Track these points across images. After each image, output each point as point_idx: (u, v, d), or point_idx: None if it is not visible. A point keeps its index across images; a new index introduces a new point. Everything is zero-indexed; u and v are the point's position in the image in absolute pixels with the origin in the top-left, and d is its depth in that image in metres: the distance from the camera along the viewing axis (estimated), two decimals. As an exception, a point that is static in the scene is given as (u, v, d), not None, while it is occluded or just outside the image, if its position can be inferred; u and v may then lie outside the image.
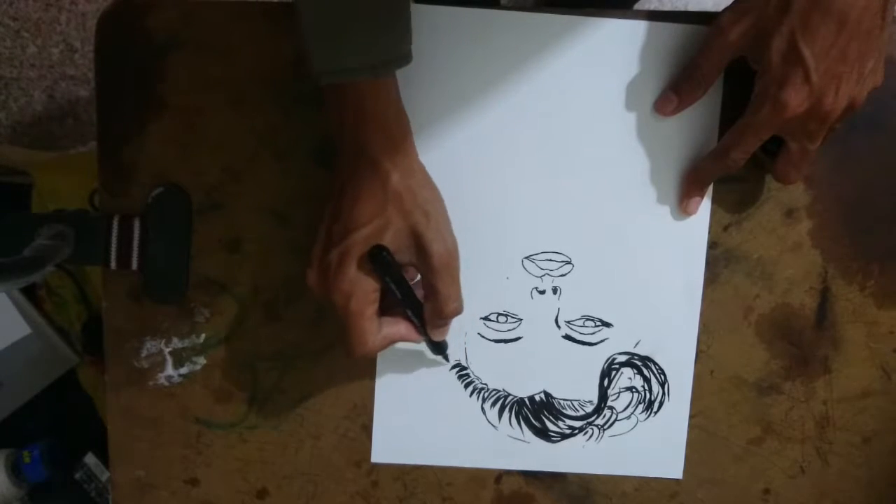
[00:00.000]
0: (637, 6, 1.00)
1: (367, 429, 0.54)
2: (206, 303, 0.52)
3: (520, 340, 0.53)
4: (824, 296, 0.53)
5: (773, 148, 0.48)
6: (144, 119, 0.50)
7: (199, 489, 0.54)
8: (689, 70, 0.48)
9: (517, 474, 0.55)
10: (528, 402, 0.53)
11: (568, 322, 0.53)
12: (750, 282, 0.53)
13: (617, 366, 0.53)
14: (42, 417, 0.93)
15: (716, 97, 0.50)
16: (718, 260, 0.53)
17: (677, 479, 0.55)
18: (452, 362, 0.53)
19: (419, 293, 0.46)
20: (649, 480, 0.55)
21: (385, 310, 0.46)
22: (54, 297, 0.91)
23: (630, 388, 0.54)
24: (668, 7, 1.28)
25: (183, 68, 0.50)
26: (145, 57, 0.50)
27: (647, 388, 0.54)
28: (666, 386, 0.54)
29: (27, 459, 0.87)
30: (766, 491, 0.55)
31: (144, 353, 0.52)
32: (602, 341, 0.53)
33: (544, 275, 0.52)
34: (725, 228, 0.52)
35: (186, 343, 0.52)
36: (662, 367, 0.53)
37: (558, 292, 0.52)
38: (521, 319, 0.53)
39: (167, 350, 0.52)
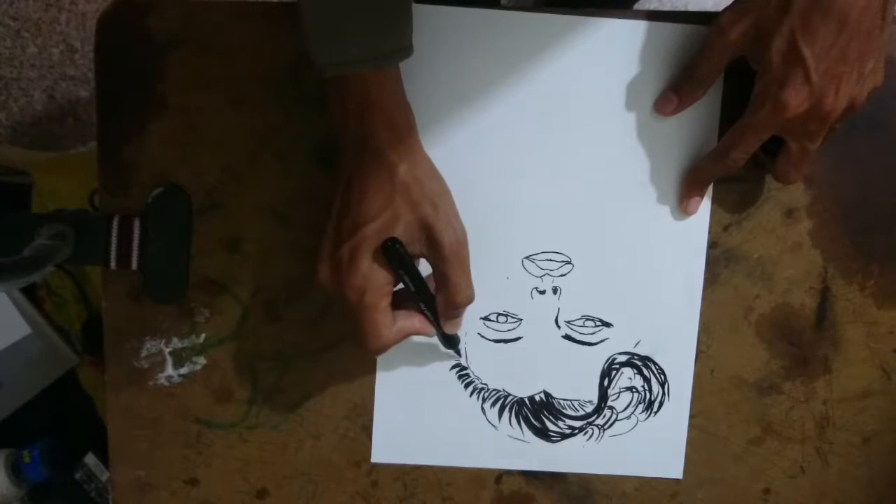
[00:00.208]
0: (637, 6, 1.00)
1: (367, 429, 0.54)
2: (206, 303, 0.52)
3: (520, 340, 0.53)
4: (824, 296, 0.53)
5: (773, 148, 0.48)
6: (144, 119, 0.50)
7: (199, 489, 0.54)
8: (689, 70, 0.48)
9: (517, 474, 0.55)
10: (528, 402, 0.53)
11: (568, 322, 0.53)
12: (750, 282, 0.53)
13: (617, 366, 0.53)
14: (42, 417, 0.93)
15: (716, 97, 0.50)
16: (718, 260, 0.53)
17: (677, 479, 0.55)
18: (452, 362, 0.53)
19: (430, 286, 0.46)
20: (649, 480, 0.55)
21: (395, 305, 0.46)
22: (54, 297, 0.91)
23: (630, 388, 0.54)
24: (668, 7, 1.28)
25: (183, 68, 0.50)
26: (145, 57, 0.50)
27: (647, 388, 0.54)
28: (666, 386, 0.54)
29: (27, 459, 0.87)
30: (766, 491, 0.55)
31: (144, 353, 0.52)
32: (602, 341, 0.53)
33: (544, 275, 0.52)
34: (725, 228, 0.52)
35: (186, 343, 0.52)
36: (662, 367, 0.53)
37: (558, 292, 0.52)
38: (521, 319, 0.53)
39: (167, 350, 0.52)
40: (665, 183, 0.51)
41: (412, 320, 0.47)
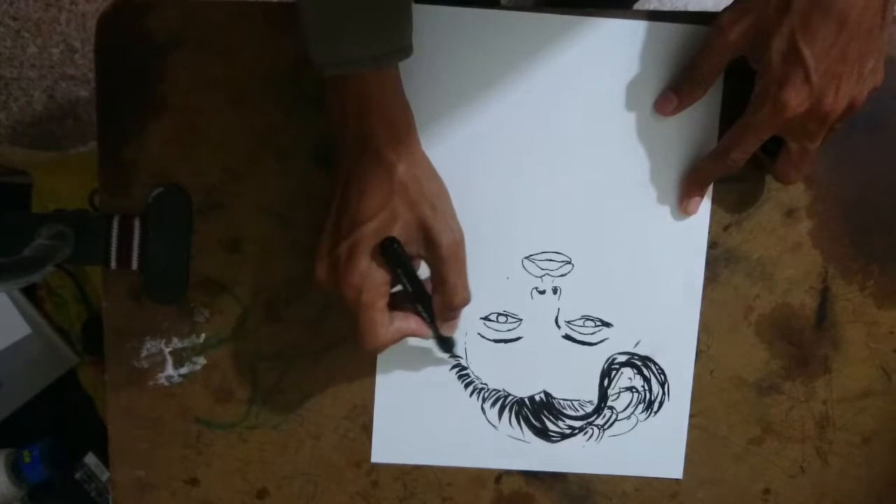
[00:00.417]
0: (637, 6, 0.99)
1: (367, 429, 0.54)
2: (206, 303, 0.52)
3: (520, 340, 0.53)
4: (824, 296, 0.53)
5: (773, 148, 0.48)
6: (144, 119, 0.50)
7: (199, 489, 0.54)
8: (689, 70, 0.48)
9: (517, 474, 0.55)
10: (528, 402, 0.53)
11: (568, 322, 0.53)
12: (750, 282, 0.53)
13: (617, 366, 0.53)
14: (42, 417, 0.93)
15: (716, 97, 0.50)
16: (718, 260, 0.53)
17: (677, 479, 0.55)
18: (452, 362, 0.53)
19: (427, 287, 0.46)
20: (649, 480, 0.55)
21: (393, 307, 0.46)
22: (54, 297, 0.91)
23: (630, 388, 0.54)
24: (668, 7, 1.28)
25: (183, 68, 0.50)
26: (145, 57, 0.50)
27: (647, 388, 0.54)
28: (666, 386, 0.54)
29: (27, 459, 0.87)
30: (766, 491, 0.55)
31: (144, 353, 0.52)
32: (602, 341, 0.53)
33: (544, 275, 0.52)
34: (725, 228, 0.52)
35: (186, 343, 0.52)
36: (662, 367, 0.53)
37: (558, 292, 0.52)
38: (521, 319, 0.53)
39: (167, 350, 0.52)
40: (665, 183, 0.51)
41: (409, 321, 0.47)
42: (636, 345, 0.53)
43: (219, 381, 0.53)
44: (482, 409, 0.53)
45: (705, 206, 0.52)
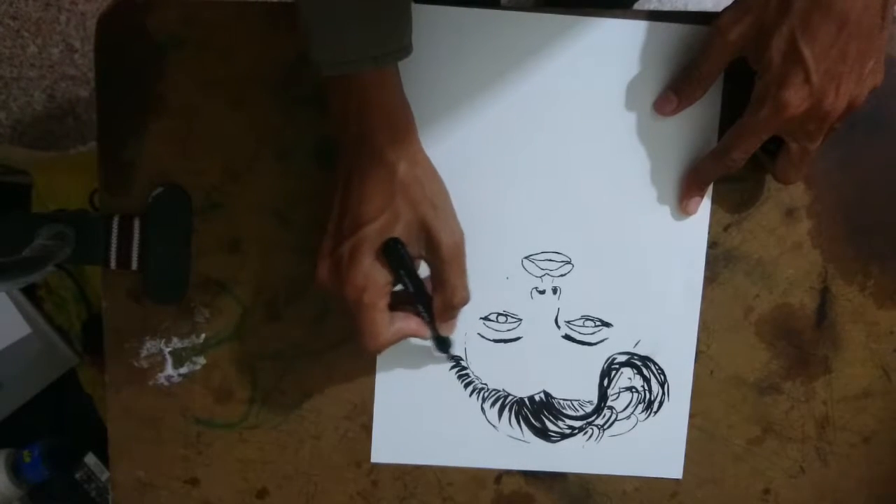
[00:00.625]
0: (637, 6, 0.99)
1: (367, 429, 0.54)
2: (206, 303, 0.52)
3: (520, 340, 0.53)
4: (824, 296, 0.53)
5: (773, 148, 0.48)
6: (144, 119, 0.50)
7: (199, 489, 0.54)
8: (689, 70, 0.48)
9: (517, 474, 0.55)
10: (527, 402, 0.53)
11: (568, 322, 0.53)
12: (750, 282, 0.53)
13: (617, 366, 0.53)
14: (42, 417, 0.93)
15: (716, 97, 0.50)
16: (718, 260, 0.53)
17: (677, 479, 0.55)
18: (451, 363, 0.53)
19: (427, 287, 0.47)
20: (649, 480, 0.55)
21: (391, 307, 0.46)
22: (54, 297, 0.91)
23: (630, 388, 0.54)
24: (668, 7, 1.28)
25: (183, 68, 0.50)
26: (145, 57, 0.50)
27: (646, 388, 0.54)
28: (666, 386, 0.54)
29: (27, 459, 0.87)
30: (766, 491, 0.55)
31: (144, 353, 0.52)
32: (602, 341, 0.53)
33: (544, 275, 0.52)
34: (725, 228, 0.52)
35: (186, 343, 0.52)
36: (662, 367, 0.53)
37: (558, 292, 0.52)
38: (520, 319, 0.53)
39: (167, 350, 0.52)
40: (665, 183, 0.51)
41: (409, 322, 0.47)
42: (636, 345, 0.53)
43: (219, 381, 0.53)
44: (482, 409, 0.53)
45: (705, 206, 0.52)
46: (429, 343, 0.50)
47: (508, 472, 0.54)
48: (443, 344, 0.49)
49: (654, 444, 0.54)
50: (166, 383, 0.53)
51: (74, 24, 1.25)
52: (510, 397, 0.53)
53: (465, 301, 0.47)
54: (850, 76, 0.43)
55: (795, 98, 0.43)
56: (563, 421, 0.54)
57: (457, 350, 0.52)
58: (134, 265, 0.51)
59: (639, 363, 0.53)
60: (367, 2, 0.40)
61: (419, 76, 0.48)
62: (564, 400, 0.54)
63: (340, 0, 0.40)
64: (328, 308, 0.52)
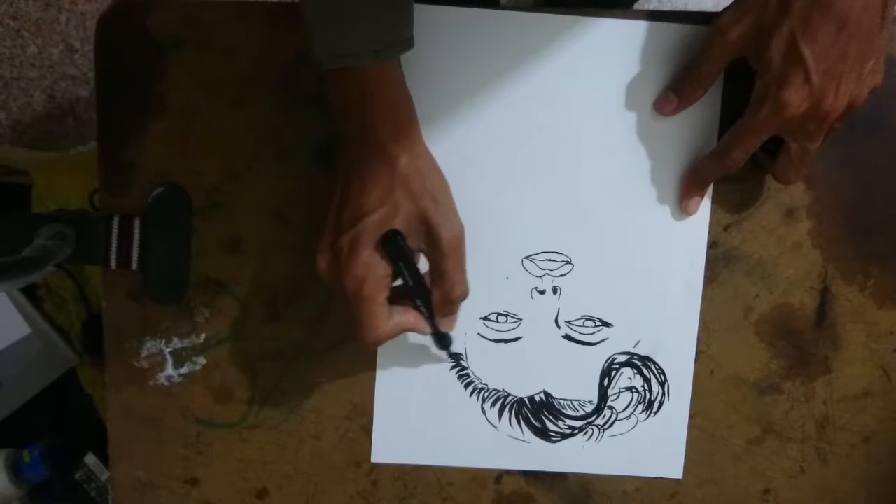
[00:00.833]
0: (637, 6, 0.99)
1: (367, 429, 0.54)
2: (206, 303, 0.52)
3: (520, 340, 0.53)
4: (824, 296, 0.53)
5: (773, 148, 0.48)
6: (144, 119, 0.50)
7: (199, 489, 0.54)
8: (688, 70, 0.48)
9: (517, 474, 0.55)
10: (528, 402, 0.53)
11: (568, 322, 0.53)
12: (750, 282, 0.53)
13: (617, 366, 0.53)
14: (42, 417, 0.93)
15: (716, 97, 0.50)
16: (718, 260, 0.53)
17: (677, 479, 0.55)
18: (451, 362, 0.53)
19: (426, 281, 0.46)
20: (649, 480, 0.55)
21: (390, 301, 0.46)
22: (54, 297, 0.91)
23: (630, 388, 0.54)
24: (667, 7, 1.28)
25: (183, 68, 0.50)
26: (145, 57, 0.50)
27: (646, 388, 0.54)
28: (666, 386, 0.54)
29: (27, 459, 0.87)
30: (766, 491, 0.55)
31: (144, 353, 0.52)
32: (602, 341, 0.53)
33: (544, 275, 0.52)
34: (725, 228, 0.52)
35: (186, 343, 0.52)
36: (662, 367, 0.53)
37: (558, 292, 0.52)
38: (521, 319, 0.53)
39: (167, 350, 0.52)
40: (665, 183, 0.51)
41: (408, 316, 0.47)
42: (636, 345, 0.53)
43: (219, 381, 0.53)
44: (482, 409, 0.53)
45: (705, 206, 0.52)
46: (430, 342, 0.50)
47: (508, 472, 0.54)
48: (442, 340, 0.49)
49: (654, 444, 0.54)
50: (166, 383, 0.53)
51: (74, 24, 1.25)
52: (510, 397, 0.53)
53: (464, 296, 0.47)
54: (850, 76, 0.43)
55: (795, 98, 0.43)
56: (564, 421, 0.54)
57: (454, 348, 0.52)
58: (134, 265, 0.51)
59: (639, 363, 0.53)
60: None
61: (419, 76, 0.48)
62: (564, 400, 0.54)
63: None
64: (328, 308, 0.52)
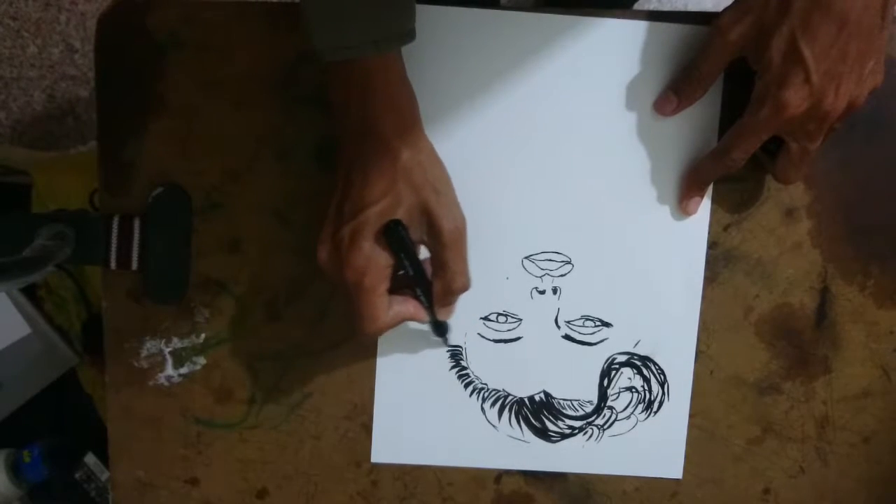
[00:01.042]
0: (637, 6, 0.99)
1: (367, 429, 0.54)
2: (206, 303, 0.52)
3: (520, 340, 0.53)
4: (824, 296, 0.53)
5: (773, 148, 0.48)
6: (144, 119, 0.50)
7: (199, 489, 0.54)
8: (688, 70, 0.48)
9: (517, 474, 0.55)
10: (527, 402, 0.53)
11: (568, 322, 0.53)
12: (750, 282, 0.53)
13: (617, 366, 0.53)
14: (42, 417, 0.93)
15: (716, 97, 0.50)
16: (718, 260, 0.53)
17: (677, 479, 0.55)
18: (451, 362, 0.53)
19: (427, 272, 0.46)
20: (649, 480, 0.55)
21: (391, 292, 0.46)
22: (54, 297, 0.91)
23: (630, 388, 0.54)
24: (667, 7, 1.28)
25: (183, 68, 0.50)
26: (145, 57, 0.50)
27: (646, 388, 0.54)
28: (666, 386, 0.54)
29: (27, 459, 0.87)
30: (766, 491, 0.55)
31: (144, 353, 0.52)
32: (602, 341, 0.53)
33: (544, 275, 0.52)
34: (725, 228, 0.52)
35: (186, 343, 0.52)
36: (662, 367, 0.53)
37: (558, 292, 0.52)
38: (520, 319, 0.53)
39: (167, 350, 0.52)
40: (665, 183, 0.51)
41: (407, 305, 0.47)
42: (636, 345, 0.53)
43: (219, 381, 0.53)
44: (482, 409, 0.53)
45: (705, 206, 0.52)
46: (430, 342, 0.50)
47: (508, 472, 0.54)
48: (440, 328, 0.49)
49: (654, 444, 0.54)
50: (166, 383, 0.53)
51: (74, 24, 1.25)
52: (510, 397, 0.53)
53: (465, 287, 0.47)
54: (850, 76, 0.43)
55: (795, 98, 0.43)
56: (563, 421, 0.54)
57: (451, 337, 0.52)
58: (134, 265, 0.51)
59: (639, 363, 0.53)
60: None
61: (419, 76, 0.48)
62: (564, 400, 0.54)
63: None
64: (328, 308, 0.52)
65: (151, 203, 0.51)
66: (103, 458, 0.89)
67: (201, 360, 0.53)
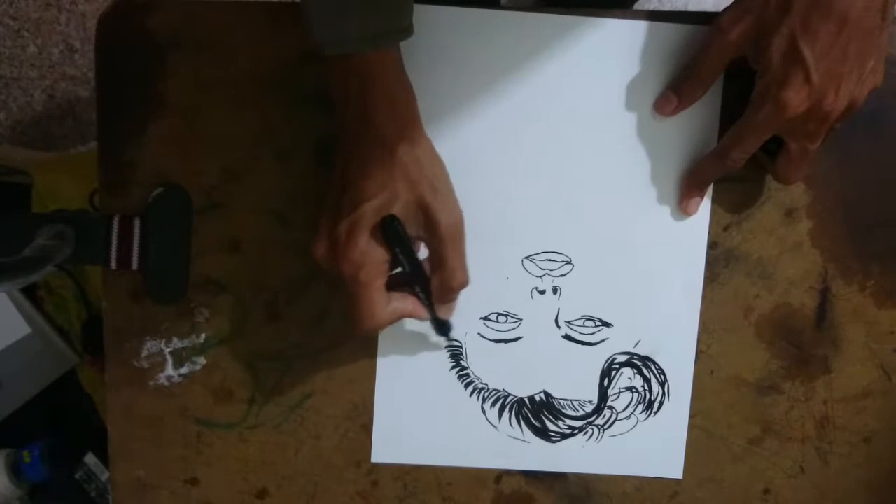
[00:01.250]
0: (637, 6, 1.00)
1: (367, 429, 0.54)
2: (206, 303, 0.52)
3: (520, 340, 0.53)
4: (824, 296, 0.53)
5: (773, 148, 0.48)
6: (144, 119, 0.50)
7: (199, 489, 0.54)
8: (688, 70, 0.48)
9: (517, 474, 0.55)
10: (528, 402, 0.53)
11: (568, 322, 0.53)
12: (750, 282, 0.53)
13: (617, 366, 0.53)
14: (42, 417, 0.93)
15: (716, 97, 0.50)
16: (718, 260, 0.53)
17: (677, 479, 0.55)
18: (451, 363, 0.53)
19: (425, 269, 0.46)
20: (649, 480, 0.55)
21: (389, 288, 0.46)
22: (54, 297, 0.91)
23: (630, 388, 0.54)
24: (667, 7, 1.28)
25: (183, 68, 0.50)
26: (145, 57, 0.50)
27: (647, 388, 0.54)
28: (666, 386, 0.54)
29: (27, 459, 0.87)
30: (766, 491, 0.55)
31: (144, 353, 0.52)
32: (602, 341, 0.53)
33: (544, 275, 0.52)
34: (725, 228, 0.52)
35: (186, 343, 0.52)
36: (662, 367, 0.53)
37: (558, 292, 0.52)
38: (521, 319, 0.53)
39: (167, 350, 0.52)
40: (665, 183, 0.51)
41: (406, 302, 0.47)
42: (636, 345, 0.53)
43: (219, 381, 0.53)
44: (482, 409, 0.53)
45: (705, 206, 0.52)
46: (429, 343, 0.50)
47: (508, 472, 0.54)
48: (442, 327, 0.49)
49: (654, 444, 0.54)
50: (166, 383, 0.53)
51: (74, 24, 1.25)
52: (510, 397, 0.53)
53: (464, 283, 0.46)
54: (851, 76, 0.43)
55: (795, 98, 0.43)
56: (564, 421, 0.54)
57: (457, 337, 0.52)
58: (134, 265, 0.51)
59: (639, 363, 0.53)
60: None
61: (419, 76, 0.48)
62: (564, 400, 0.54)
63: None
64: (328, 308, 0.52)
65: (151, 203, 0.51)
66: (103, 458, 0.89)
67: (201, 361, 0.53)
